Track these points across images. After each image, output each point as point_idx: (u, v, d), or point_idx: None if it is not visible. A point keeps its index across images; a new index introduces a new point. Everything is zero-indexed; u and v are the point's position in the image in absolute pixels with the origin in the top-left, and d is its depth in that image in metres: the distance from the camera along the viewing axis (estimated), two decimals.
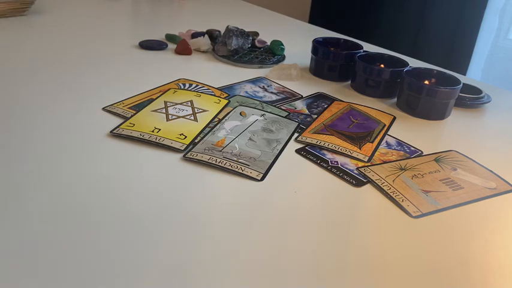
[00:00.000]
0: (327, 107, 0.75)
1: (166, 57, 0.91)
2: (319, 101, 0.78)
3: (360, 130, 0.68)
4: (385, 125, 0.71)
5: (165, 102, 0.70)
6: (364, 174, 0.58)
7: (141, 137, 0.60)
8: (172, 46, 0.97)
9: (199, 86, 0.78)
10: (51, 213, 0.45)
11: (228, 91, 0.78)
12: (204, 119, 0.66)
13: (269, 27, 1.20)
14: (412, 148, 0.65)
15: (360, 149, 0.63)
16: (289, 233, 0.46)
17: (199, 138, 0.61)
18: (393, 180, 0.57)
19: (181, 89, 0.76)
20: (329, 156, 0.61)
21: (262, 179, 0.54)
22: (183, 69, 0.85)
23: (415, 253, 0.45)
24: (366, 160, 0.61)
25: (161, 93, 0.73)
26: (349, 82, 0.88)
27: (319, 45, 0.89)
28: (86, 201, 0.48)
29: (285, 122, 0.68)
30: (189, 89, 0.76)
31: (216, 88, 0.78)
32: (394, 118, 0.74)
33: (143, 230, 0.44)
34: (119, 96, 0.71)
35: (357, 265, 0.43)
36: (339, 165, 0.59)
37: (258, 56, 0.95)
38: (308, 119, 0.71)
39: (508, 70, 1.67)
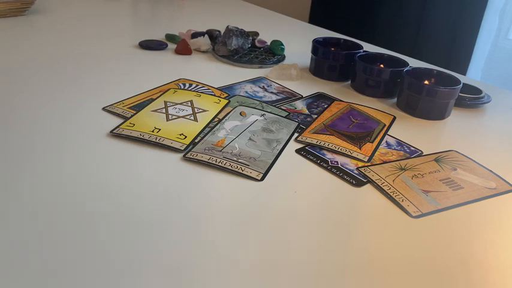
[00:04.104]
0: (327, 107, 0.76)
1: (166, 57, 0.91)
2: (319, 101, 0.78)
3: (360, 130, 0.68)
4: (385, 125, 0.71)
5: (165, 102, 0.70)
6: (364, 174, 0.58)
7: (141, 137, 0.60)
8: (172, 46, 0.97)
9: (199, 86, 0.78)
10: (51, 213, 0.45)
11: (228, 91, 0.78)
12: (204, 119, 0.66)
13: (269, 27, 1.20)
14: (412, 148, 0.65)
15: (360, 149, 0.63)
16: (289, 233, 0.46)
17: (199, 138, 0.61)
18: (393, 180, 0.57)
19: (181, 89, 0.76)
20: (329, 156, 0.61)
21: (262, 179, 0.54)
22: (183, 69, 0.85)
23: (415, 253, 0.45)
24: (366, 160, 0.61)
25: (161, 93, 0.73)
26: (349, 82, 0.88)
27: (319, 45, 0.89)
28: (85, 201, 0.48)
29: (285, 122, 0.68)
30: (189, 89, 0.76)
31: (216, 88, 0.78)
32: (394, 118, 0.74)
33: (143, 230, 0.44)
34: (119, 96, 0.71)
35: (357, 265, 0.43)
36: (339, 165, 0.59)
37: (258, 56, 0.95)
38: (308, 119, 0.71)
39: (508, 70, 1.67)
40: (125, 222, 0.45)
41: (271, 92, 0.80)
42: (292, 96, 0.79)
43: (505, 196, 0.57)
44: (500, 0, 1.62)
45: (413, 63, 0.96)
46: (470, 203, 0.54)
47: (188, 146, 0.59)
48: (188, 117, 0.66)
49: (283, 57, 0.98)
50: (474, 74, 1.69)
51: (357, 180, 0.56)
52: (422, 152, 0.64)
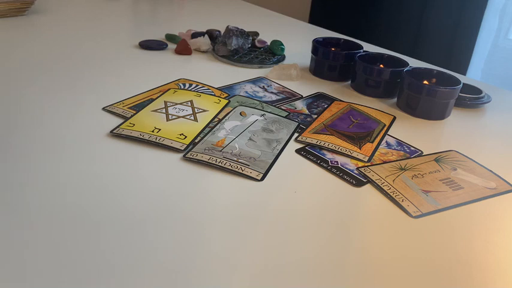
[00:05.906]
0: (327, 107, 0.75)
1: (166, 57, 0.91)
2: (319, 101, 0.78)
3: (360, 130, 0.68)
4: (385, 125, 0.71)
5: (165, 102, 0.70)
6: (364, 174, 0.58)
7: (141, 137, 0.60)
8: (172, 46, 0.97)
9: (199, 86, 0.78)
10: (50, 213, 0.45)
11: (228, 91, 0.78)
12: (204, 119, 0.66)
13: (269, 27, 1.20)
14: (412, 148, 0.65)
15: (360, 149, 0.63)
16: (289, 233, 0.46)
17: (199, 138, 0.61)
18: (393, 180, 0.57)
19: (181, 89, 0.76)
20: (329, 156, 0.61)
21: (262, 179, 0.54)
22: (183, 69, 0.85)
23: (415, 253, 0.45)
24: (366, 160, 0.61)
25: (161, 93, 0.73)
26: (349, 82, 0.88)
27: (319, 45, 0.89)
28: (85, 201, 0.48)
29: (285, 122, 0.68)
30: (189, 89, 0.76)
31: (216, 88, 0.78)
32: (394, 118, 0.74)
33: (143, 230, 0.44)
34: (119, 96, 0.71)
35: (357, 265, 0.43)
36: (339, 165, 0.59)
37: (258, 56, 0.95)
38: (308, 119, 0.71)
39: (508, 70, 1.67)
40: (124, 222, 0.45)
41: (271, 92, 0.80)
42: (292, 96, 0.79)
43: (505, 196, 0.57)
44: (500, 0, 1.62)
45: (413, 63, 0.96)
46: (470, 203, 0.54)
47: (188, 146, 0.59)
48: (188, 117, 0.66)
49: (283, 57, 0.98)
50: (474, 74, 1.69)
51: (357, 180, 0.56)
52: (422, 152, 0.64)
